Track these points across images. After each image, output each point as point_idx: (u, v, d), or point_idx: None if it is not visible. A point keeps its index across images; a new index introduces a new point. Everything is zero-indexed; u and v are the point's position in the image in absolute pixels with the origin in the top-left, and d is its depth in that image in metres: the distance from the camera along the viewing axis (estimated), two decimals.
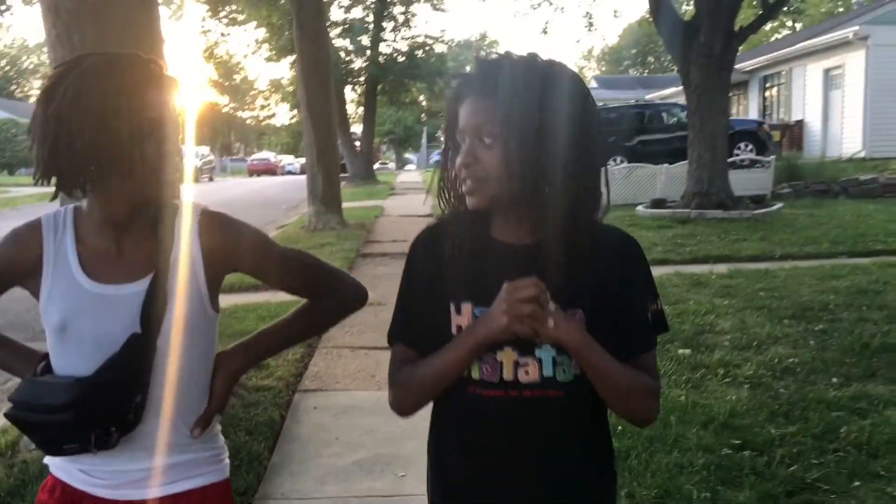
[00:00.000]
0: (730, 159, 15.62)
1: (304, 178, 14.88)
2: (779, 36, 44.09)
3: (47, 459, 1.53)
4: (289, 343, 1.70)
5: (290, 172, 47.89)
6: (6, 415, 1.42)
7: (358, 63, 29.12)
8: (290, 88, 39.74)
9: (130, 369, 1.40)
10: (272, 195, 24.47)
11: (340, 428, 4.15)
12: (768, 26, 47.57)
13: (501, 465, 1.40)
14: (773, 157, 15.75)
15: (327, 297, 1.62)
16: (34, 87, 71.13)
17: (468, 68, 1.45)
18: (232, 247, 1.52)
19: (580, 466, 1.41)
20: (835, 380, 4.38)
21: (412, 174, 42.33)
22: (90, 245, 1.47)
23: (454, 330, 1.38)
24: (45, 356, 1.50)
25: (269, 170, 48.43)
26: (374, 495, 3.37)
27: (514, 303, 1.27)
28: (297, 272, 1.60)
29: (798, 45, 22.43)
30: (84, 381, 1.38)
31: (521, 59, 1.36)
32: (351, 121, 32.17)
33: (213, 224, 1.51)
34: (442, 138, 1.42)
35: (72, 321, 1.42)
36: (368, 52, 28.84)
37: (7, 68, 70.49)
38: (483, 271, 1.37)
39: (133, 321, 1.41)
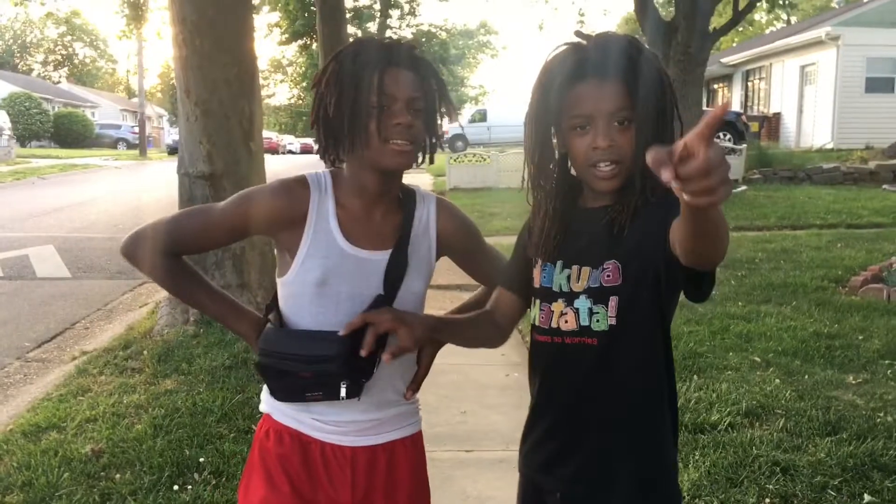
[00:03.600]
0: None
1: (304, 157, 16.17)
2: (774, 28, 45.34)
3: (269, 408, 1.64)
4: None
5: (290, 152, 49.17)
6: (258, 364, 1.52)
7: None
8: (290, 69, 40.79)
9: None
10: (281, 170, 25.84)
11: None
12: (763, 19, 49.01)
13: (549, 405, 1.52)
14: (744, 145, 17.31)
15: None
16: (37, 61, 72.03)
17: (561, 48, 1.45)
18: (458, 233, 1.66)
19: (619, 414, 1.44)
20: (740, 303, 6.01)
21: None
22: (347, 209, 1.55)
23: (536, 283, 1.52)
24: (271, 309, 1.60)
25: (272, 148, 49.51)
26: None
27: None
28: (493, 267, 1.74)
29: (778, 42, 23.95)
30: (343, 339, 1.44)
31: (634, 42, 1.42)
32: None
33: (448, 210, 1.66)
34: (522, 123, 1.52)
35: (332, 278, 1.51)
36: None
37: (10, 42, 71.25)
38: (564, 233, 1.50)
39: (380, 284, 1.54)
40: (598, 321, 1.41)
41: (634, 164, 1.39)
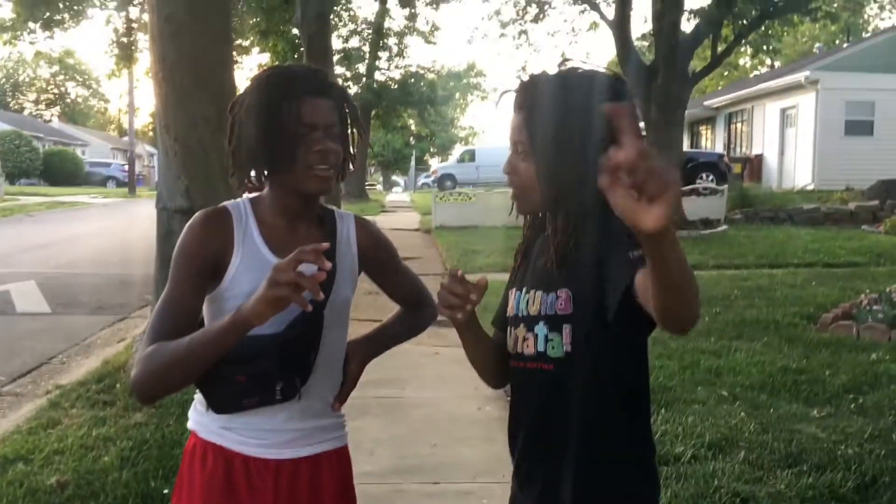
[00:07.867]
0: (691, 187, 17.48)
1: None
2: (758, 72, 46.13)
3: (195, 425, 1.66)
4: (397, 341, 1.86)
5: None
6: None
7: (353, 89, 30.85)
8: None
9: (309, 328, 1.55)
10: None
11: None
12: (748, 64, 49.91)
13: (518, 428, 1.57)
14: (726, 186, 17.54)
15: (423, 308, 1.88)
16: (29, 100, 72.32)
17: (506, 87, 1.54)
18: (376, 249, 1.76)
19: (573, 442, 1.45)
20: (712, 339, 6.07)
21: (400, 195, 43.95)
22: (270, 226, 1.61)
23: (507, 312, 1.58)
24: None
25: (260, 187, 49.83)
26: None
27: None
28: (409, 285, 1.87)
29: (759, 86, 24.42)
30: (275, 336, 1.51)
31: (554, 78, 1.46)
32: None
33: (365, 226, 1.76)
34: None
35: None
36: (364, 79, 30.61)
37: (3, 81, 71.56)
38: (527, 260, 1.59)
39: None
40: (553, 348, 1.46)
41: (541, 193, 1.46)
